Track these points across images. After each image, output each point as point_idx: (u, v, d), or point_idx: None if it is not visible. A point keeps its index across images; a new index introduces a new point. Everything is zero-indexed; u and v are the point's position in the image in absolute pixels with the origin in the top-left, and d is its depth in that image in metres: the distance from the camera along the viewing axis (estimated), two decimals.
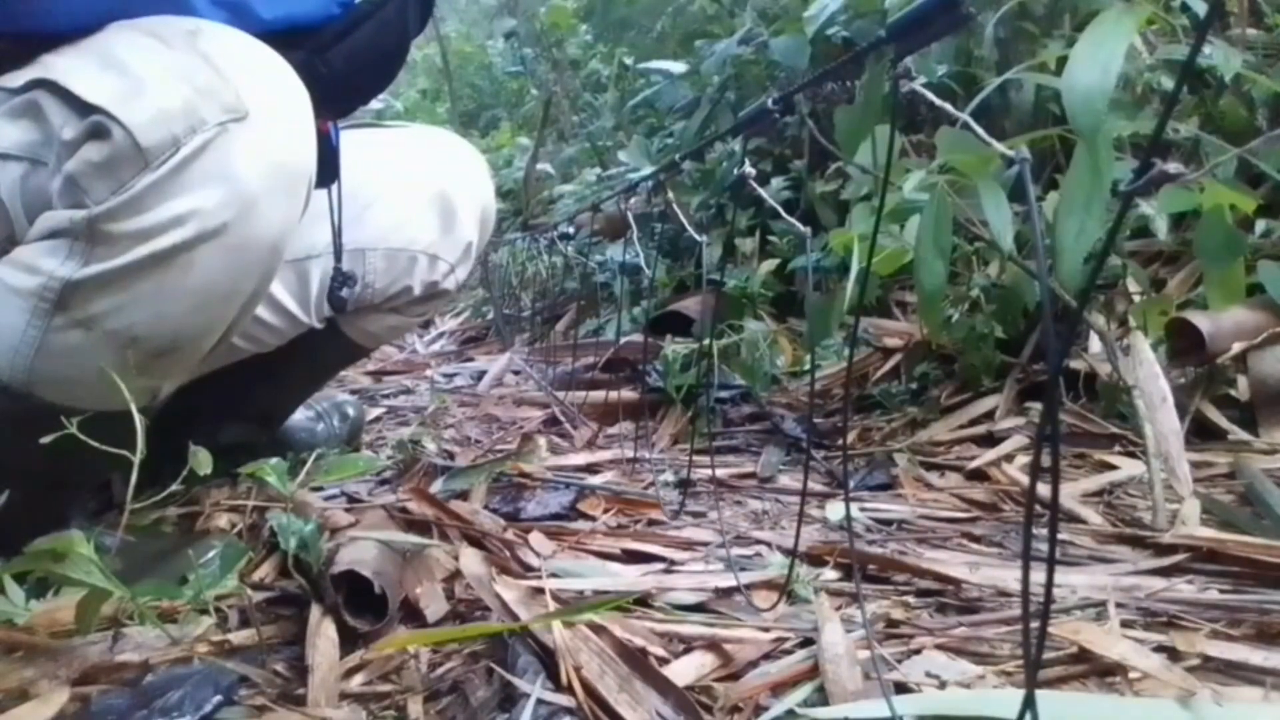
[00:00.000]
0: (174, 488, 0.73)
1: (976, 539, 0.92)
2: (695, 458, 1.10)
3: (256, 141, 0.71)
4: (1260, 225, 1.26)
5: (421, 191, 1.11)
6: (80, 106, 0.69)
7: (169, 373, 0.81)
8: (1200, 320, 1.16)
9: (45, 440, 0.66)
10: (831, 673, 0.62)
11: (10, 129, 0.75)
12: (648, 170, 2.22)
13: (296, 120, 0.75)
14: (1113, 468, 1.10)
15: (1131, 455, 1.12)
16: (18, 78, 0.76)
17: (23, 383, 0.75)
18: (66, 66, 0.72)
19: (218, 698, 0.62)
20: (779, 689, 0.63)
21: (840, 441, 1.32)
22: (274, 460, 0.82)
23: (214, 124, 0.69)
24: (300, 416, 1.31)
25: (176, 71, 0.70)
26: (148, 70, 0.70)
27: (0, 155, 0.75)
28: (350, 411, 1.39)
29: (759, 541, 0.92)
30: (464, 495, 1.08)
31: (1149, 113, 1.11)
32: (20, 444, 0.69)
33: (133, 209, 0.69)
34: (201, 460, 0.73)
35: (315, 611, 0.75)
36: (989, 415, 1.30)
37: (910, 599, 0.77)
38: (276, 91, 0.74)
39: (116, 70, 0.70)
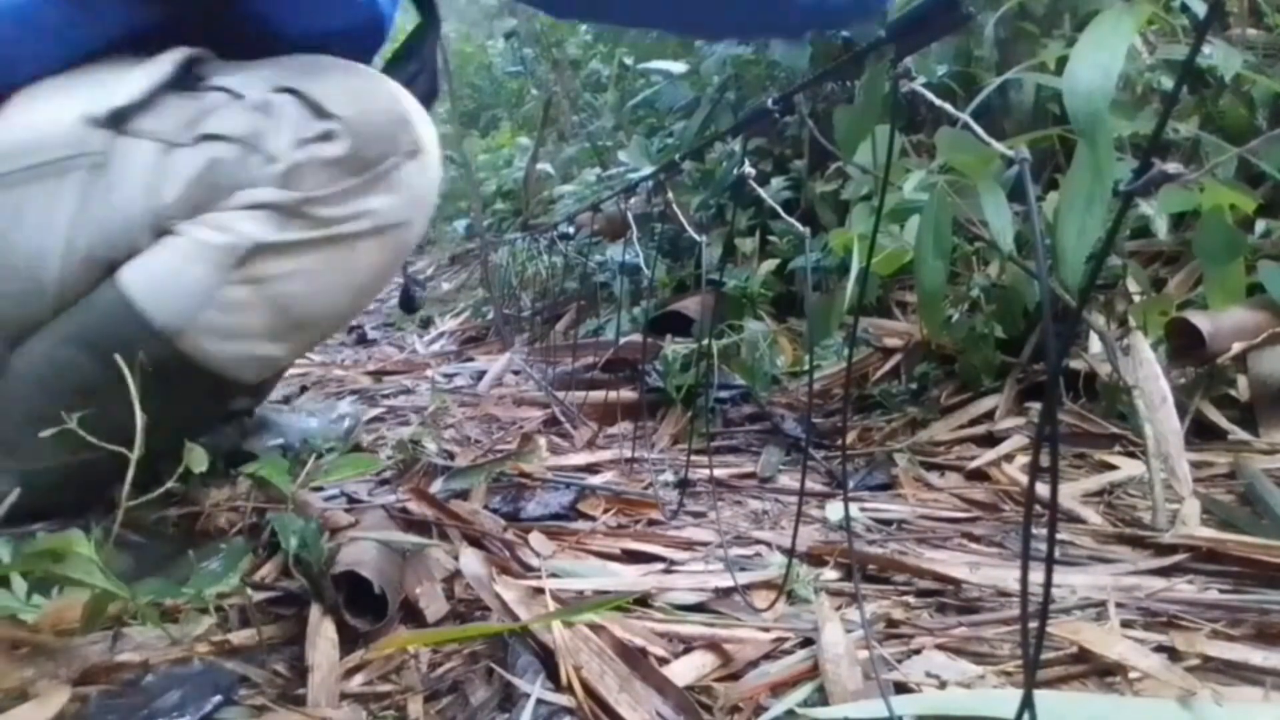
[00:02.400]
0: (171, 485, 0.73)
1: (976, 539, 0.92)
2: (695, 458, 1.10)
3: (423, 172, 0.88)
4: (1260, 225, 1.26)
5: None
6: (320, 113, 0.82)
7: (294, 349, 0.92)
8: (1200, 320, 1.16)
9: (48, 434, 0.69)
10: (831, 673, 0.62)
11: (241, 118, 0.84)
12: (648, 170, 2.23)
13: (438, 163, 0.91)
14: (1113, 468, 1.10)
15: (1131, 455, 1.12)
16: (252, 82, 0.85)
17: (175, 330, 0.82)
18: (308, 81, 0.85)
19: (218, 698, 0.62)
20: (779, 689, 0.63)
21: (840, 441, 1.32)
22: (274, 460, 0.82)
23: (404, 152, 0.86)
24: (299, 417, 1.31)
25: (382, 103, 0.86)
26: (367, 96, 0.86)
27: (218, 136, 0.84)
28: (349, 411, 1.39)
29: (759, 541, 0.92)
30: (464, 495, 1.08)
31: (1149, 113, 1.11)
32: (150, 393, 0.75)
33: (336, 201, 0.83)
34: (196, 458, 0.73)
35: (315, 611, 0.75)
36: (989, 415, 1.30)
37: (910, 599, 0.77)
38: (432, 135, 0.91)
39: (348, 93, 0.85)
